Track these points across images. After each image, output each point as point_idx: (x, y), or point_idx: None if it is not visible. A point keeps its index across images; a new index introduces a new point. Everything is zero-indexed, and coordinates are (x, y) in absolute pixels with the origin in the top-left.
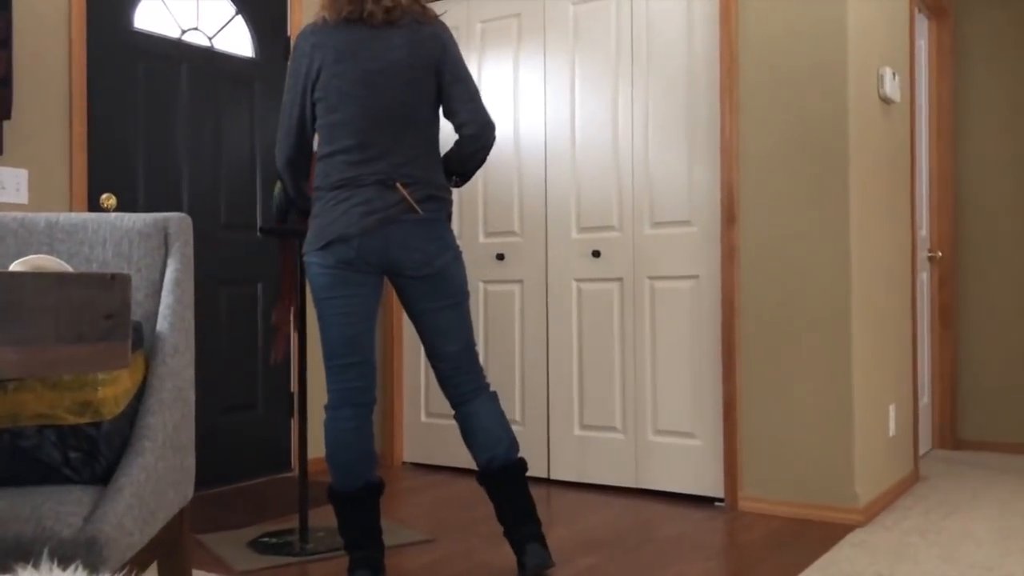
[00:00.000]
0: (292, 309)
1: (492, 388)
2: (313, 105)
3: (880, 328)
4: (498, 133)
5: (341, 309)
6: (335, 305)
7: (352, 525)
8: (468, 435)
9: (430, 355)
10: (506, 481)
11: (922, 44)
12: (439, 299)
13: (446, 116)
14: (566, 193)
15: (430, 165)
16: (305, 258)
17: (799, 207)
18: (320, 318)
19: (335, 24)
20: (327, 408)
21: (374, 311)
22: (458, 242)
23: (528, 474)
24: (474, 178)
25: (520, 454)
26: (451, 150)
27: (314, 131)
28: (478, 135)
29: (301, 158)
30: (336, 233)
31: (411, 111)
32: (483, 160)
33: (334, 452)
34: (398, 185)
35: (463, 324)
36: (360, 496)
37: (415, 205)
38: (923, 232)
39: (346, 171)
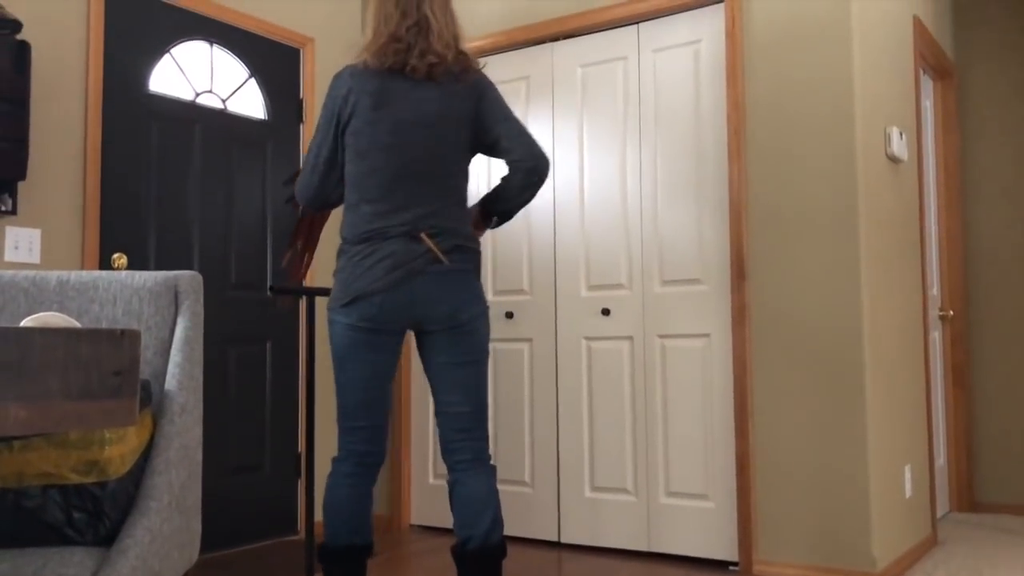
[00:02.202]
0: (305, 258)
1: (493, 461)
2: (343, 149)
3: (894, 387)
4: None
5: (358, 373)
6: (353, 368)
7: None
8: (453, 506)
9: (439, 412)
10: (478, 566)
11: (927, 104)
12: (460, 354)
13: (497, 155)
14: (575, 251)
15: (457, 216)
16: (328, 315)
17: (810, 265)
18: (336, 377)
19: (375, 71)
20: (333, 460)
21: (392, 374)
22: None
23: (538, 537)
24: (484, 236)
25: (501, 536)
26: (499, 186)
27: (341, 177)
28: (535, 168)
29: (321, 201)
30: (360, 290)
31: (439, 163)
32: (532, 196)
33: (327, 505)
34: (423, 235)
35: (479, 384)
36: (342, 555)
37: (441, 255)
38: (934, 291)
39: (372, 222)
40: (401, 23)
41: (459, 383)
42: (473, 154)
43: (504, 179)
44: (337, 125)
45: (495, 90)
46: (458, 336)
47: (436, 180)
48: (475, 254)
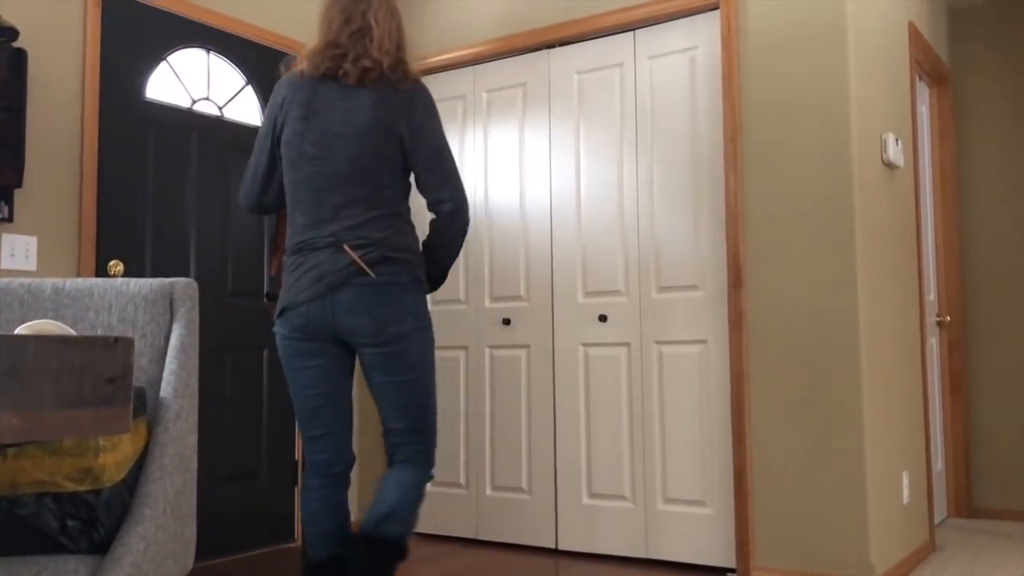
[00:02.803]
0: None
1: (432, 469)
2: (280, 158)
3: (891, 393)
4: (505, 199)
5: (300, 382)
6: (295, 377)
7: None
8: None
9: (382, 426)
10: (359, 554)
11: (923, 111)
12: (391, 373)
13: (420, 190)
14: (572, 258)
15: (389, 227)
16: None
17: (806, 272)
18: (288, 388)
19: (310, 78)
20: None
21: (339, 380)
22: (433, 309)
23: (535, 544)
24: (480, 243)
25: (397, 532)
26: (424, 243)
27: (282, 184)
28: (456, 211)
29: (261, 208)
30: (288, 300)
31: (369, 174)
32: (460, 246)
33: (304, 521)
34: (346, 247)
35: (418, 402)
36: (328, 568)
37: (366, 268)
38: (931, 297)
39: (304, 233)
40: (343, 29)
41: (392, 402)
42: (409, 166)
43: (431, 231)
44: (273, 133)
45: (430, 113)
46: (388, 355)
47: (365, 191)
48: (408, 265)
